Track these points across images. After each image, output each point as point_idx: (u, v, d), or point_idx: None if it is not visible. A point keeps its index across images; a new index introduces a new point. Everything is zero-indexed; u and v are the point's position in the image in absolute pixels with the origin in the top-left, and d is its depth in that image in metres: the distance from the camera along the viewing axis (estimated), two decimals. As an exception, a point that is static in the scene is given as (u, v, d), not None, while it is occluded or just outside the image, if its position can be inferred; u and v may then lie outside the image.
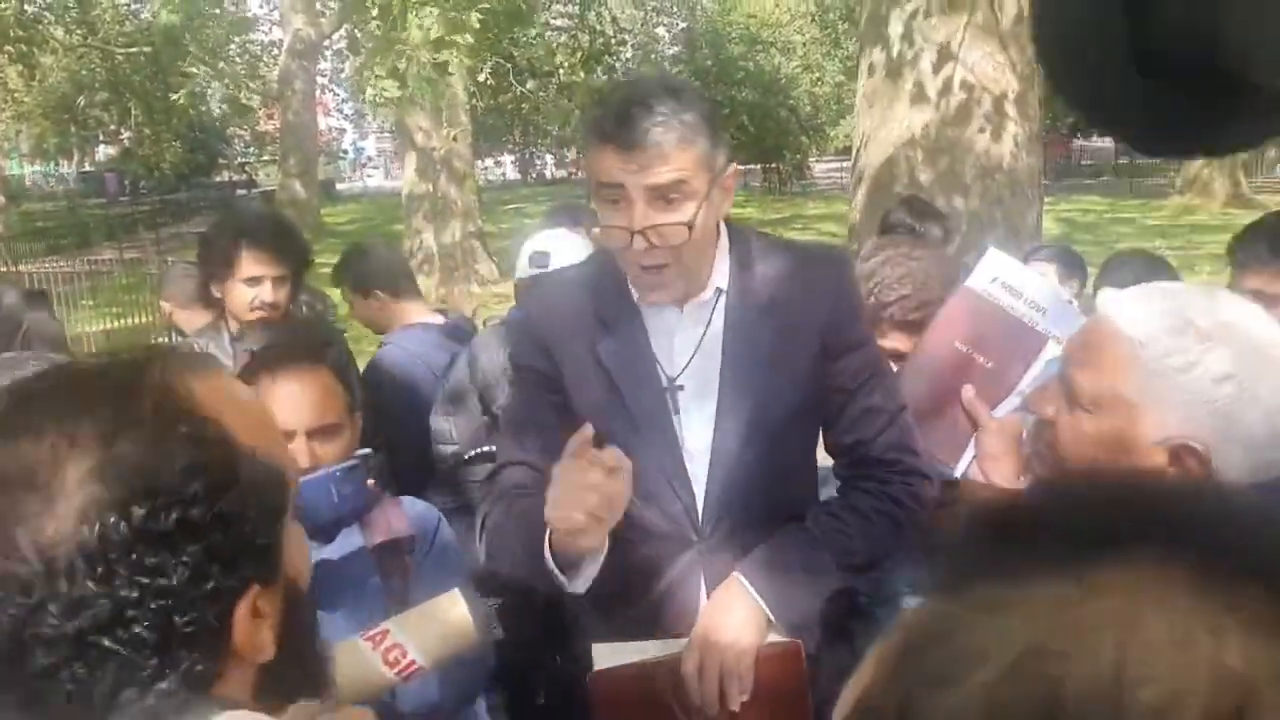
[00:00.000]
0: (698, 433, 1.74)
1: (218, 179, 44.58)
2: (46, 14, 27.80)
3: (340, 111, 43.56)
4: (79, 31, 29.11)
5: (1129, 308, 1.28)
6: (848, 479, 1.83)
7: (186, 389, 0.86)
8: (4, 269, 19.04)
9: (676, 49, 37.22)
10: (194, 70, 27.86)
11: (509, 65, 23.93)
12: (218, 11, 26.55)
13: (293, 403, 1.85)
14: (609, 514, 1.49)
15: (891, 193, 6.23)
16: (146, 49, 25.50)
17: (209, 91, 33.47)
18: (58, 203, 38.84)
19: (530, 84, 29.18)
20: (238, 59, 30.65)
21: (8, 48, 28.82)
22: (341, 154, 45.37)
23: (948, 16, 6.00)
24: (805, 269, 1.78)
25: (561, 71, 32.67)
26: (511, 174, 43.79)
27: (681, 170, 1.57)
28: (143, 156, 40.18)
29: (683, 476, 1.74)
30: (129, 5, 33.33)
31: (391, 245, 3.55)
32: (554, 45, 31.42)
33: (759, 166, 34.62)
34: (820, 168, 34.03)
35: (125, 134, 42.10)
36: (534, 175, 40.40)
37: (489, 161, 42.03)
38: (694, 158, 1.58)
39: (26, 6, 26.70)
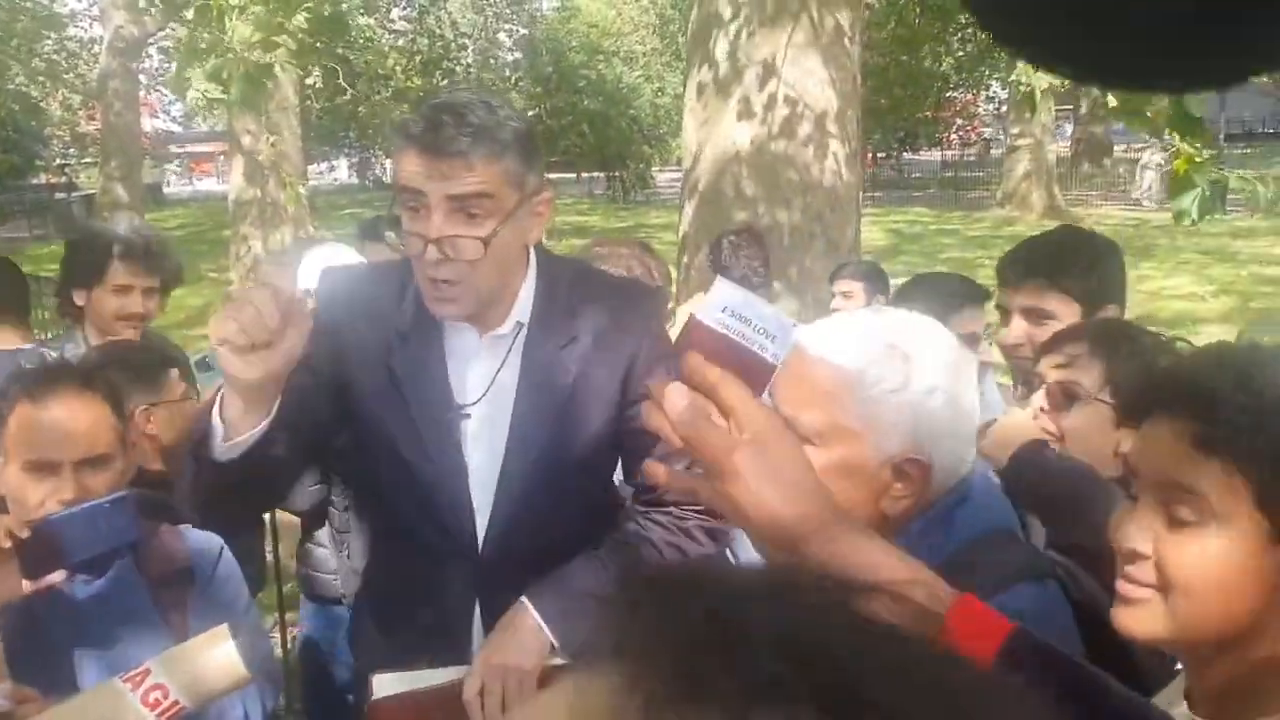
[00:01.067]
0: (484, 462, 1.72)
1: (35, 181, 42.26)
2: None
3: (167, 113, 41.86)
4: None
5: (835, 340, 1.33)
6: (644, 512, 1.83)
7: None
8: None
9: (517, 55, 37.10)
10: (8, 66, 26.36)
11: (340, 69, 23.36)
12: (29, 4, 25.23)
13: (60, 431, 1.75)
14: (267, 338, 1.38)
15: (720, 206, 6.36)
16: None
17: (25, 90, 31.71)
18: None
19: (364, 87, 28.55)
20: (54, 55, 29.08)
21: None
22: (170, 157, 43.57)
23: (770, 33, 6.15)
24: (613, 308, 1.75)
25: (399, 75, 32.22)
26: (346, 177, 42.84)
27: (485, 183, 1.54)
28: (-53, 157, 37.76)
29: (464, 501, 1.73)
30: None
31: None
32: (388, 49, 30.95)
33: (603, 175, 34.77)
34: (663, 177, 34.41)
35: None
36: (370, 179, 39.61)
37: (323, 165, 41.00)
38: (501, 172, 1.55)
39: None
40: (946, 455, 1.30)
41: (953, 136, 38.57)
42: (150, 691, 1.42)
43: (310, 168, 36.80)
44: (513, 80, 34.26)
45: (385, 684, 1.62)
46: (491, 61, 36.12)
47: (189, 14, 5.56)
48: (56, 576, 1.61)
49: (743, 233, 4.48)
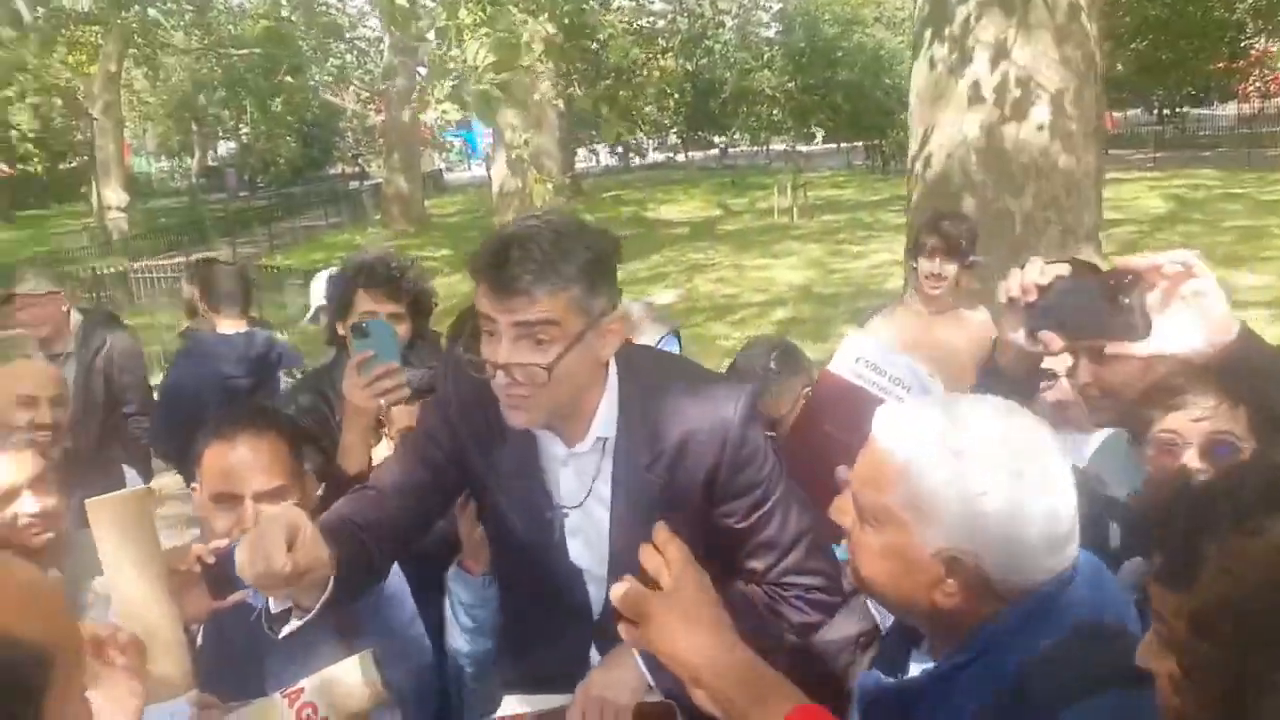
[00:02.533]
0: (589, 558, 1.86)
1: (332, 172, 45.96)
2: (166, 19, 28.94)
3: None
4: (196, 33, 30.14)
5: (897, 426, 1.34)
6: (745, 583, 1.91)
7: None
8: (124, 267, 20.10)
9: (775, 30, 36.90)
10: (307, 67, 28.75)
11: (595, 59, 23.95)
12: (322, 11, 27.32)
13: (241, 467, 2.01)
14: (284, 575, 1.51)
15: (947, 193, 6.20)
16: (258, 50, 26.30)
17: (321, 87, 34.50)
18: (181, 199, 40.51)
19: (624, 71, 29.14)
20: (347, 54, 31.41)
21: (132, 52, 30.27)
22: (449, 147, 46.17)
23: (1000, 14, 5.92)
24: (692, 418, 1.80)
25: (661, 56, 32.76)
26: (610, 160, 43.95)
27: (548, 312, 1.61)
28: (260, 152, 41.69)
29: (576, 584, 1.89)
30: (242, 6, 34.52)
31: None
32: (644, 31, 31.48)
33: (861, 145, 34.14)
34: (926, 146, 33.35)
35: (244, 131, 43.67)
36: (634, 160, 40.59)
37: (583, 151, 42.19)
38: (566, 302, 1.62)
39: (149, 10, 27.96)
40: (1003, 558, 1.28)
41: (1250, 89, 35.26)
42: (303, 709, 1.63)
43: (580, 151, 38.32)
44: (765, 58, 34.19)
45: (510, 703, 1.80)
46: (751, 39, 36.11)
47: (429, 35, 5.95)
48: (238, 596, 1.86)
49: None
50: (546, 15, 7.31)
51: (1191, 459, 1.80)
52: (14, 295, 4.20)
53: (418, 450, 1.93)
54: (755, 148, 38.30)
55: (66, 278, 19.46)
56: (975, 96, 6.04)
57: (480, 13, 5.89)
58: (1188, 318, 1.46)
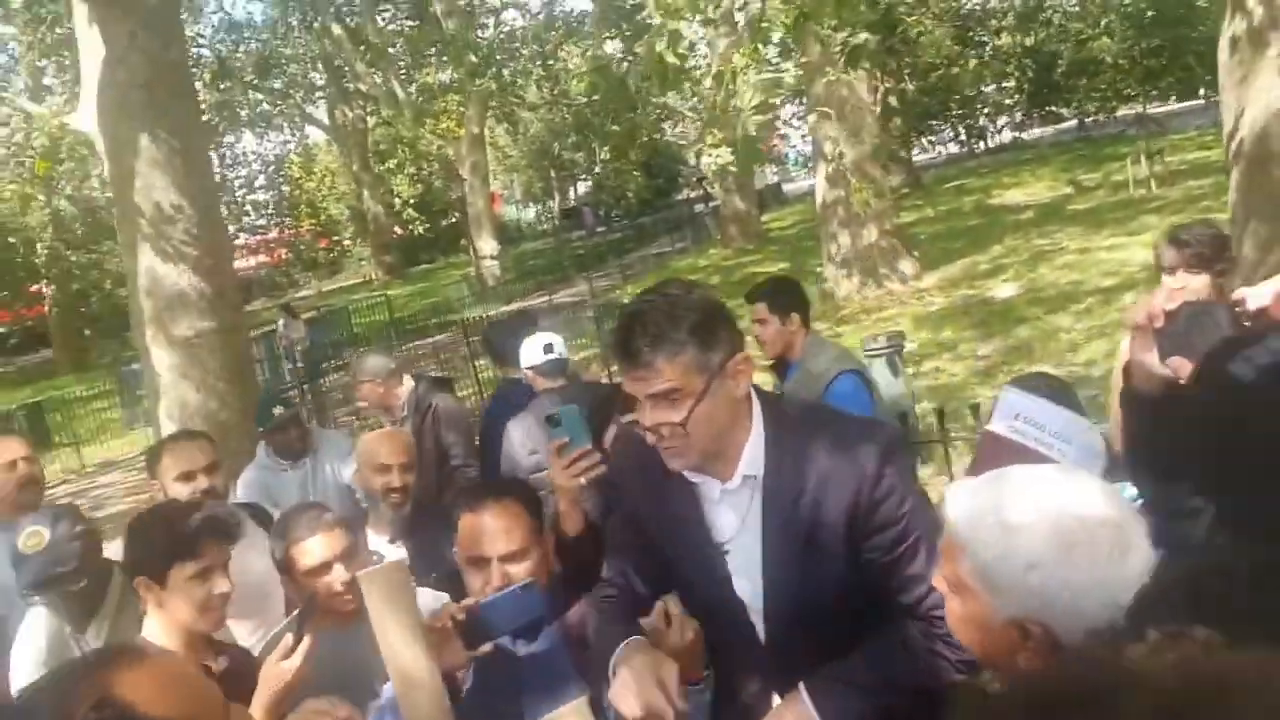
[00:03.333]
0: (749, 588, 2.04)
1: (678, 197, 47.74)
2: (520, 79, 31.47)
3: (779, 117, 44.76)
4: (547, 86, 32.44)
5: (958, 499, 1.42)
6: (898, 617, 2.00)
7: (120, 693, 1.15)
8: (501, 307, 22.03)
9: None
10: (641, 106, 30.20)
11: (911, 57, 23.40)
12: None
13: (486, 533, 2.38)
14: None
15: (1271, 172, 5.72)
16: (595, 96, 27.98)
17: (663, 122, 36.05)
18: (547, 240, 43.63)
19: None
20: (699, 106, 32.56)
21: (493, 112, 33.18)
22: (782, 159, 46.70)
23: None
24: (836, 455, 1.95)
25: (998, 36, 31.42)
26: (953, 149, 42.49)
27: (671, 380, 1.85)
28: (610, 188, 44.16)
29: (741, 617, 2.07)
30: (587, 53, 36.89)
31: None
32: (975, 14, 30.27)
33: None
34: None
35: (596, 170, 46.44)
36: (979, 146, 39.07)
37: (926, 140, 41.03)
38: (684, 366, 1.85)
39: (504, 72, 30.61)
40: (1068, 625, 1.33)
41: None
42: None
43: (921, 141, 37.48)
44: (1103, 24, 31.81)
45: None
46: (1089, 6, 33.76)
47: (706, 83, 6.25)
48: (487, 648, 2.21)
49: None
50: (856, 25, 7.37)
51: None
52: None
53: (617, 538, 2.27)
54: (1104, 117, 35.71)
55: (450, 325, 21.63)
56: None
57: (752, 56, 6.13)
58: None
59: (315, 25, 31.43)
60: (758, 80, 5.82)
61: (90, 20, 8.38)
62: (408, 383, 5.07)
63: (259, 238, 48.65)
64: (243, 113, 39.61)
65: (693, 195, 45.81)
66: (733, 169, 6.41)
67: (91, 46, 8.44)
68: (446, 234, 44.03)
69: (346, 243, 47.20)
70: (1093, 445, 1.86)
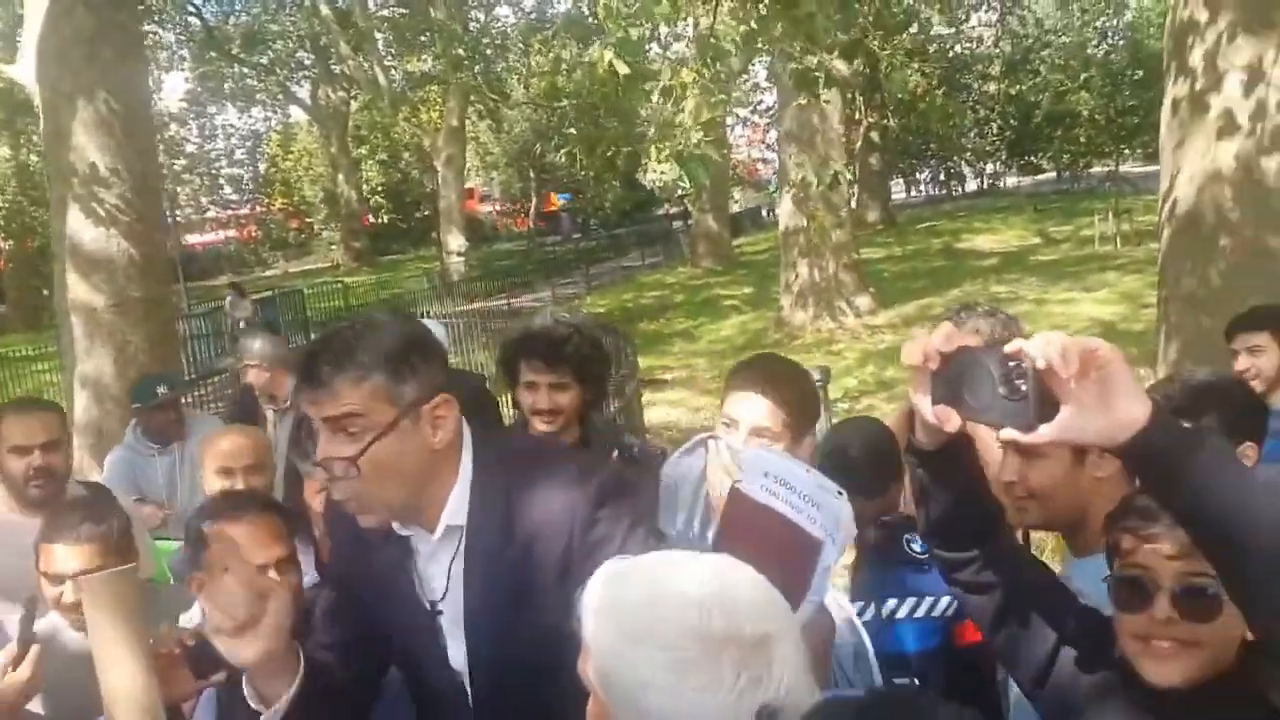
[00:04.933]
0: (458, 652, 1.86)
1: (659, 212, 47.64)
2: (507, 75, 31.31)
3: (764, 142, 44.85)
4: (533, 85, 32.29)
5: (593, 588, 1.31)
6: None
7: None
8: (461, 306, 21.83)
9: (1104, 49, 34.59)
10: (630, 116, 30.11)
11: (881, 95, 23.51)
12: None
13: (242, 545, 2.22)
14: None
15: (1200, 235, 5.67)
16: (577, 100, 27.86)
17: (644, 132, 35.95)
18: (520, 242, 43.42)
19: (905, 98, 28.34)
20: (649, 118, 32.56)
21: (478, 106, 32.98)
22: (765, 183, 46.73)
23: (1256, 36, 5.35)
24: (547, 499, 1.78)
25: (980, 82, 31.63)
26: (931, 190, 42.74)
27: (351, 404, 1.65)
28: (589, 198, 44.03)
29: (454, 685, 1.87)
30: (576, 58, 36.80)
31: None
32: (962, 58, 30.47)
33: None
34: None
35: (580, 176, 46.30)
36: (955, 189, 39.33)
37: (906, 180, 41.29)
38: (368, 393, 1.65)
39: (490, 67, 30.46)
40: None
41: None
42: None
43: (892, 183, 37.66)
44: (1082, 79, 32.08)
45: None
46: (1070, 60, 34.08)
47: (653, 97, 6.14)
48: (219, 677, 2.03)
49: None
50: (836, 52, 7.29)
51: (1162, 608, 1.50)
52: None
53: (326, 606, 2.02)
54: (1079, 171, 36.02)
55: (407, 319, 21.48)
56: (1229, 127, 5.48)
57: (702, 71, 6.01)
58: (1090, 407, 1.24)
59: (305, 3, 31.16)
60: (702, 98, 5.70)
61: (35, -29, 8.17)
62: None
63: (230, 212, 48.21)
64: (226, 85, 39.30)
65: (672, 211, 45.82)
66: (681, 184, 6.29)
67: (35, -1, 8.23)
68: (419, 226, 43.73)
69: (318, 226, 46.79)
70: (839, 515, 1.71)
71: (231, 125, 45.93)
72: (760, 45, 6.12)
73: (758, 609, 1.20)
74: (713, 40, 6.36)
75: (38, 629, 2.31)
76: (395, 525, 1.82)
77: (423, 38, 29.89)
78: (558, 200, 48.16)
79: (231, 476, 3.22)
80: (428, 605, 1.85)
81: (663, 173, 5.94)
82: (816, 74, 6.52)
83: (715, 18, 6.23)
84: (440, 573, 1.84)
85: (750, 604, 1.20)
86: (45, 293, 33.73)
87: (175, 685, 1.99)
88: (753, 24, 6.05)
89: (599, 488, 1.78)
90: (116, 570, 1.86)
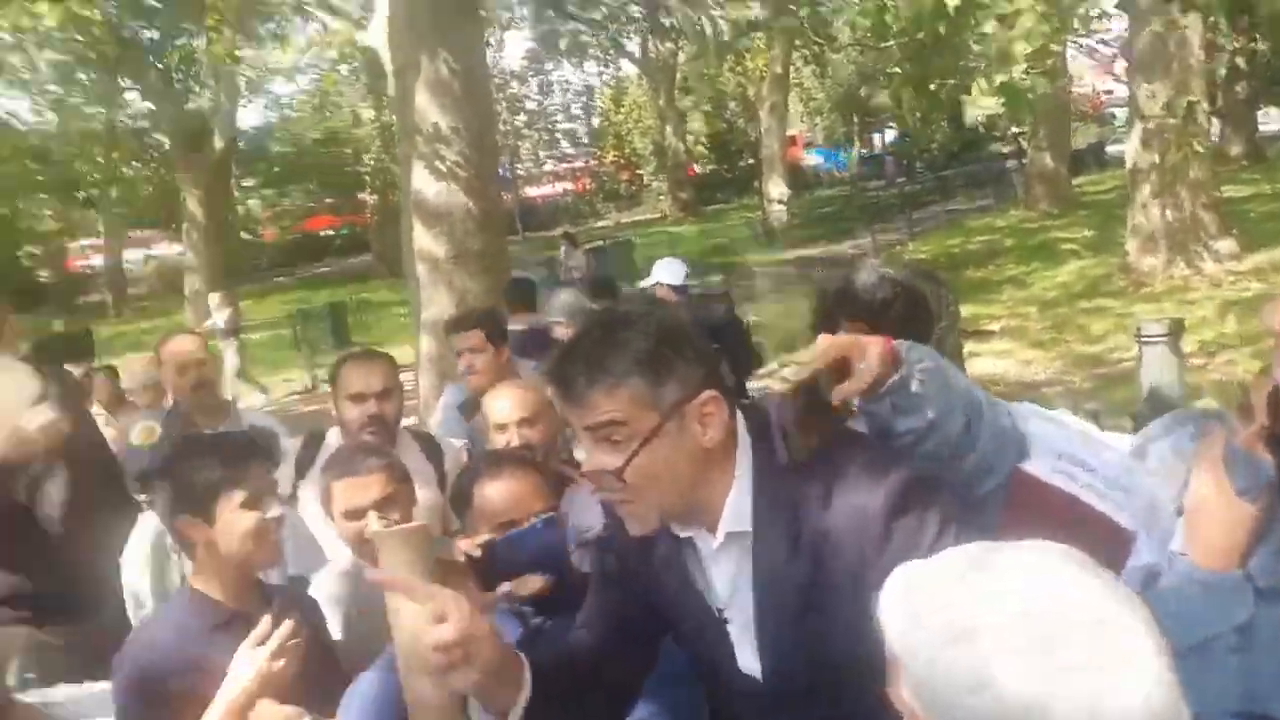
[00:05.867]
0: (752, 661, 1.71)
1: (993, 149, 45.27)
2: (833, 16, 30.66)
3: (1110, 73, 41.41)
4: (862, 26, 31.39)
5: (891, 595, 1.12)
6: None
7: None
8: (787, 254, 21.76)
9: None
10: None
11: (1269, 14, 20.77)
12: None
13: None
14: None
15: None
16: (905, 39, 26.80)
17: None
18: (842, 188, 42.65)
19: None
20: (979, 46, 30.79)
21: (803, 50, 32.55)
22: (1110, 117, 43.22)
23: None
24: (836, 504, 1.60)
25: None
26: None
27: (610, 413, 1.56)
28: (916, 138, 42.44)
29: (749, 687, 1.73)
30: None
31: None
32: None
33: None
34: None
35: (906, 117, 44.78)
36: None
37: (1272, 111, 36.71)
38: (626, 400, 1.56)
39: (817, 10, 29.90)
40: None
41: None
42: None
43: (1262, 113, 33.69)
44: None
45: None
46: None
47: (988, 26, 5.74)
48: (505, 588, 2.06)
49: None
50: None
51: None
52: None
53: (597, 589, 1.91)
54: None
55: (731, 266, 21.67)
56: None
57: (1038, -3, 5.53)
58: None
59: (635, -43, 31.76)
60: (1035, 24, 5.24)
61: (386, -57, 8.74)
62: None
63: (566, 165, 50.45)
64: (562, 42, 40.96)
65: (1005, 150, 43.40)
66: (1003, 119, 5.86)
67: (387, -34, 8.82)
68: (743, 175, 43.91)
69: (647, 177, 48.06)
70: (1157, 503, 1.42)
71: (567, 81, 47.94)
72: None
73: (1111, 585, 1.02)
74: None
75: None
76: (674, 526, 1.72)
77: (748, -17, 29.83)
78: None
79: (505, 432, 3.17)
80: (713, 608, 1.74)
81: (984, 107, 5.52)
82: None
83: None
84: (724, 578, 1.72)
85: (1100, 578, 1.03)
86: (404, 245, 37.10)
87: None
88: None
89: (899, 488, 1.58)
90: (410, 527, 1.92)
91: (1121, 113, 44.45)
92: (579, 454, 1.67)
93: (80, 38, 21.69)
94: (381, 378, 3.43)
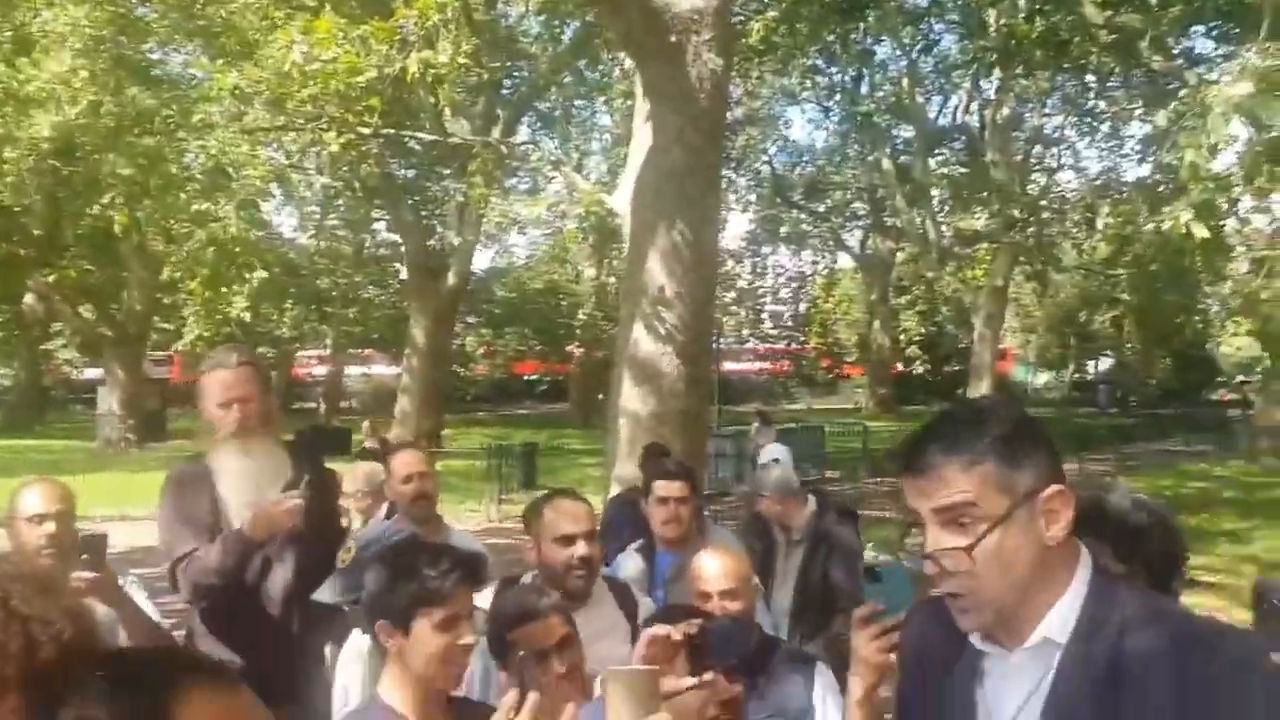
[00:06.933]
0: None
1: (1211, 397, 43.33)
2: (1059, 239, 30.46)
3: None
4: (1087, 251, 31.05)
5: None
6: None
7: None
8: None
9: None
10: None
11: None
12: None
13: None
14: None
15: None
16: (1136, 268, 26.28)
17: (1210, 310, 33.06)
18: (1051, 409, 41.43)
19: None
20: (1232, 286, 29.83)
21: (1023, 266, 32.40)
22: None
23: None
24: (1173, 651, 1.50)
25: None
26: None
27: (964, 492, 1.54)
28: (1134, 369, 41.11)
29: None
30: (1147, 220, 34.95)
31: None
32: None
33: None
34: None
35: (1126, 348, 43.54)
36: None
37: None
38: (980, 478, 1.54)
39: (1045, 231, 29.85)
40: None
41: None
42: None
43: None
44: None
45: None
46: None
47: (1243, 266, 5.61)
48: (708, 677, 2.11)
49: None
50: None
51: None
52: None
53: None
54: None
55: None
56: None
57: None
58: None
59: (869, 158, 32.64)
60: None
61: (646, 116, 9.32)
62: (810, 504, 4.94)
63: (768, 346, 51.06)
64: (783, 229, 42.13)
65: (1229, 398, 41.35)
66: (1260, 366, 5.65)
67: (642, 136, 9.38)
68: (947, 379, 43.36)
69: (848, 368, 48.08)
70: None
71: (781, 265, 49.01)
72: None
73: None
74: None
75: None
76: (974, 639, 1.66)
77: (979, 196, 30.08)
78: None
79: (708, 600, 2.98)
80: None
81: (1239, 348, 5.33)
82: None
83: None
84: (1014, 696, 1.63)
85: None
86: (600, 397, 38.02)
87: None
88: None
89: (1237, 653, 1.51)
90: (645, 669, 1.91)
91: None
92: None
93: (348, 167, 23.97)
94: (589, 520, 3.33)
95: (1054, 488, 1.56)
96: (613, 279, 34.24)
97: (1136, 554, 2.26)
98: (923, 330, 42.75)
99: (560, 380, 43.91)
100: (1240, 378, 43.52)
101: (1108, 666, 1.54)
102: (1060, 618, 1.59)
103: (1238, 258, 5.89)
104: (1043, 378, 52.18)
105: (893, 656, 1.85)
